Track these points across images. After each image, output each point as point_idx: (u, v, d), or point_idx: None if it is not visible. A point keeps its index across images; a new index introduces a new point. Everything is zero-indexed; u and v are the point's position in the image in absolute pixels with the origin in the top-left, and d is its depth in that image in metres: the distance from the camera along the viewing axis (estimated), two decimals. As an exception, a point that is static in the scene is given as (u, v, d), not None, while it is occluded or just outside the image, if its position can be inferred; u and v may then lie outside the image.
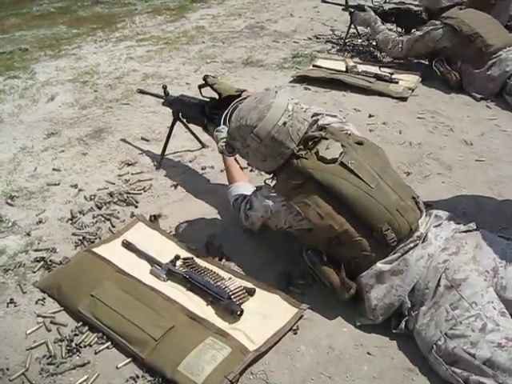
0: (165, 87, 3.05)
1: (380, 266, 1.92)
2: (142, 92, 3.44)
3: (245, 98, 2.26)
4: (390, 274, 1.90)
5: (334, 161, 2.00)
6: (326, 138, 2.08)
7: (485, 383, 1.60)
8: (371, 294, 1.93)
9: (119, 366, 1.83)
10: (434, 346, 1.74)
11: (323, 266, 1.99)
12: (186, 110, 2.93)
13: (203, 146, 3.28)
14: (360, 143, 2.11)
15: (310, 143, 2.07)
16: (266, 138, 2.03)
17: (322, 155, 2.01)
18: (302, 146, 2.06)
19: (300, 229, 2.08)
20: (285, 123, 2.02)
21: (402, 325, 1.89)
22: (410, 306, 1.88)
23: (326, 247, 2.01)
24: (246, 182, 2.51)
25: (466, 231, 2.00)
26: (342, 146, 2.05)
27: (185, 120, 3.03)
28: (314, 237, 2.03)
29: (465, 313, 1.72)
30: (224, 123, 2.28)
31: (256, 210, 2.23)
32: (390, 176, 2.07)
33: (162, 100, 3.12)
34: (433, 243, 1.93)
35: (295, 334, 1.94)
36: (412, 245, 1.94)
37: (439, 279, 1.83)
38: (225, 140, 2.21)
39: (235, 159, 2.54)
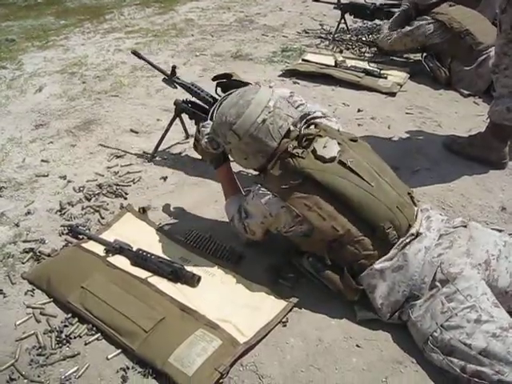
0: (174, 67, 2.93)
1: (380, 265, 1.90)
2: (135, 54, 3.03)
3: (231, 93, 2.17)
4: (390, 272, 1.89)
5: (332, 160, 1.96)
6: (321, 136, 2.03)
7: (483, 371, 1.62)
8: (375, 294, 1.91)
9: (109, 357, 1.83)
10: (430, 338, 1.75)
11: (327, 271, 1.97)
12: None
13: (188, 136, 3.29)
14: (354, 140, 2.10)
15: (304, 141, 2.01)
16: (244, 136, 1.99)
17: (321, 154, 1.96)
18: (296, 144, 2.00)
19: (300, 231, 1.99)
20: (264, 120, 1.98)
21: (396, 315, 1.90)
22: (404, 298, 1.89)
23: (327, 251, 1.96)
24: (240, 194, 2.34)
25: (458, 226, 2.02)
26: (338, 143, 2.01)
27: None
28: (313, 242, 1.97)
29: (460, 305, 1.74)
30: (211, 118, 2.21)
31: (253, 216, 2.09)
32: (388, 173, 2.07)
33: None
34: (427, 235, 1.93)
35: (285, 326, 1.95)
36: (408, 240, 1.92)
37: (435, 273, 1.85)
38: (209, 136, 2.16)
39: (227, 172, 2.37)
